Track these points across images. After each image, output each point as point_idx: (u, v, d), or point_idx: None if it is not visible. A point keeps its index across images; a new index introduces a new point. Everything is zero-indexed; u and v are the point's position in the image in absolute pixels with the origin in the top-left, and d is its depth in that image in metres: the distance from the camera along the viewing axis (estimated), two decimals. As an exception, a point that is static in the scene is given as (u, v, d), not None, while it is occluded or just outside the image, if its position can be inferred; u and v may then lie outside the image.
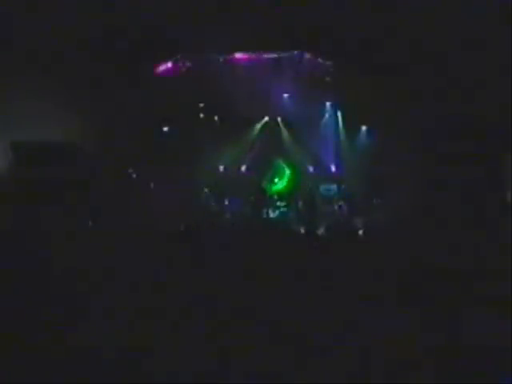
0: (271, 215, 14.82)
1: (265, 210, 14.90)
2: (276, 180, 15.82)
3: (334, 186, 15.44)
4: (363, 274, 6.27)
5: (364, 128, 15.20)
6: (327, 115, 15.67)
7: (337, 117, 15.61)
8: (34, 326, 4.81)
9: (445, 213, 10.34)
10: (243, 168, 15.77)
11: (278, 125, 15.80)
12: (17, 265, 6.27)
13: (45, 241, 7.59)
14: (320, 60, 13.38)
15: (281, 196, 15.32)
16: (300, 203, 14.87)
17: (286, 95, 15.14)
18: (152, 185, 14.26)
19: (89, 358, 4.30)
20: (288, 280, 6.16)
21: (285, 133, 15.78)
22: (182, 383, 4.08)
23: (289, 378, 4.14)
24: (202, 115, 15.20)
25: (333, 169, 15.83)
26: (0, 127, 10.16)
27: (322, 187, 15.41)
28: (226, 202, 14.97)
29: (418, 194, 12.28)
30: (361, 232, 11.21)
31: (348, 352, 4.38)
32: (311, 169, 15.87)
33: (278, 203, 15.06)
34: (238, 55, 13.67)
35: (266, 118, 15.71)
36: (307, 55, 13.27)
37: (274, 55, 13.54)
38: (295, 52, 13.21)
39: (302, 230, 12.68)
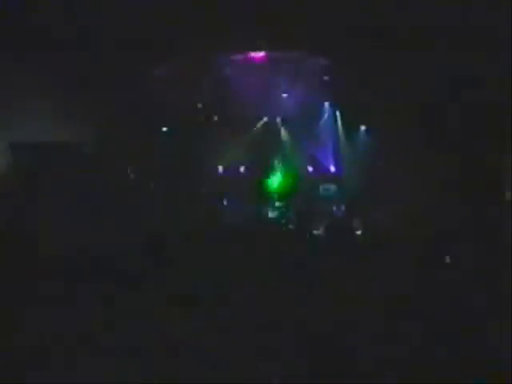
0: (270, 215, 14.83)
1: (264, 210, 14.91)
2: (275, 180, 15.82)
3: (332, 186, 15.47)
4: (362, 274, 6.28)
5: (363, 128, 15.23)
6: (326, 115, 15.70)
7: (336, 117, 15.64)
8: (31, 325, 4.81)
9: (444, 213, 10.36)
10: (242, 168, 15.78)
11: (277, 125, 15.82)
12: (17, 265, 6.28)
13: (45, 241, 7.60)
14: (320, 60, 13.39)
15: (280, 196, 15.32)
16: (299, 203, 14.88)
17: (285, 95, 15.14)
18: (152, 185, 14.27)
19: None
20: (287, 280, 6.17)
21: (284, 133, 15.80)
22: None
23: (288, 378, 4.15)
24: (201, 115, 15.21)
25: (332, 169, 15.87)
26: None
27: (321, 187, 15.44)
28: (225, 202, 14.97)
29: (417, 194, 12.29)
30: (360, 232, 11.20)
31: (347, 353, 4.39)
32: (310, 169, 15.89)
33: (277, 203, 15.07)
34: (238, 55, 13.67)
35: (266, 118, 15.73)
36: (307, 55, 13.27)
37: (274, 55, 13.54)
38: (295, 52, 13.21)
39: (301, 230, 12.67)
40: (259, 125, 15.70)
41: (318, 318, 5.03)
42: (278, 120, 15.77)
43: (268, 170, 15.80)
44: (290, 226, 13.40)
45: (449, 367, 4.22)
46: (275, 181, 15.78)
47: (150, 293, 5.70)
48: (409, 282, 6.07)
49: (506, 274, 5.73)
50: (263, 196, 15.28)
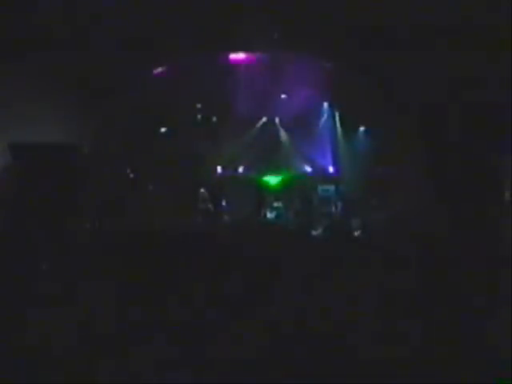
0: (269, 216, 14.83)
1: (262, 211, 14.91)
2: (274, 180, 15.82)
3: (331, 187, 15.47)
4: (361, 275, 6.27)
5: (362, 128, 15.25)
6: (325, 116, 15.71)
7: (335, 117, 15.66)
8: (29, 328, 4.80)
9: (444, 213, 10.37)
10: (241, 168, 15.79)
11: (276, 125, 15.83)
12: (16, 266, 6.26)
13: (45, 242, 7.59)
14: (319, 60, 13.39)
15: (278, 196, 15.32)
16: (298, 204, 14.88)
17: (284, 95, 15.13)
18: (150, 185, 14.27)
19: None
20: (286, 280, 6.16)
21: (283, 133, 15.81)
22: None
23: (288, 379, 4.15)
24: (199, 116, 15.21)
25: (330, 169, 15.88)
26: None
27: (320, 188, 15.44)
28: (224, 203, 14.97)
29: (416, 195, 12.30)
30: (358, 233, 11.20)
31: (346, 354, 4.38)
32: (309, 169, 15.91)
33: (276, 204, 15.07)
34: (237, 55, 13.67)
35: (264, 119, 15.74)
36: (306, 55, 13.26)
37: (273, 55, 13.54)
38: (294, 52, 13.21)
39: (300, 231, 12.67)
40: (258, 125, 15.71)
41: (317, 318, 5.02)
42: (277, 120, 15.78)
43: (267, 171, 15.81)
44: (289, 227, 13.41)
45: (448, 367, 4.21)
46: (274, 181, 15.78)
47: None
48: (408, 282, 6.06)
49: (506, 274, 5.72)
50: (262, 196, 15.28)
